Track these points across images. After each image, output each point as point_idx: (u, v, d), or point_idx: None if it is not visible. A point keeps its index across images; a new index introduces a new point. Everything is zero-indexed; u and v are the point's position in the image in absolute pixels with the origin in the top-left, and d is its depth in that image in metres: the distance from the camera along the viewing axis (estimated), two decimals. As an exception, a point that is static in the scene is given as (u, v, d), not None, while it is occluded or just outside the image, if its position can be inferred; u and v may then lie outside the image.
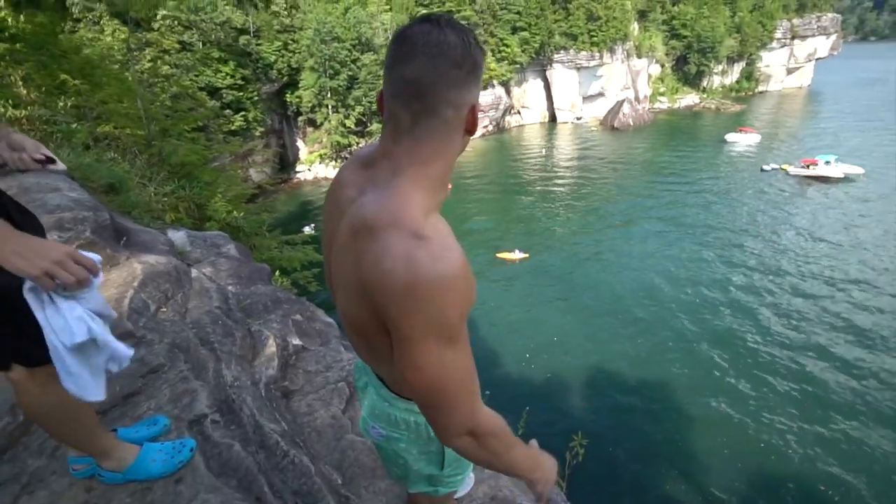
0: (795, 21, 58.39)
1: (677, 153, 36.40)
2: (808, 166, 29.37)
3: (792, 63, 60.56)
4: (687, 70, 53.83)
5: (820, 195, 26.50)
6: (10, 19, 4.86)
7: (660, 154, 36.75)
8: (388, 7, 35.75)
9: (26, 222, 1.07)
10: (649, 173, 32.31)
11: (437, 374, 0.70)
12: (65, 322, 0.94)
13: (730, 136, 38.84)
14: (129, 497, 1.29)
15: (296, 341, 2.43)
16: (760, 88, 59.21)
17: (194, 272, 2.74)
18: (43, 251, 0.87)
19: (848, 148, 33.55)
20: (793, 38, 59.05)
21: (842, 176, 28.18)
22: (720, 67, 54.91)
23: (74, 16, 9.41)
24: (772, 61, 58.98)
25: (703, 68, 53.12)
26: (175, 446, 1.39)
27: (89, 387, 1.02)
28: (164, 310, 2.24)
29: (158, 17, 21.96)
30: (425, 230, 0.68)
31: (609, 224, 24.27)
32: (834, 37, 61.59)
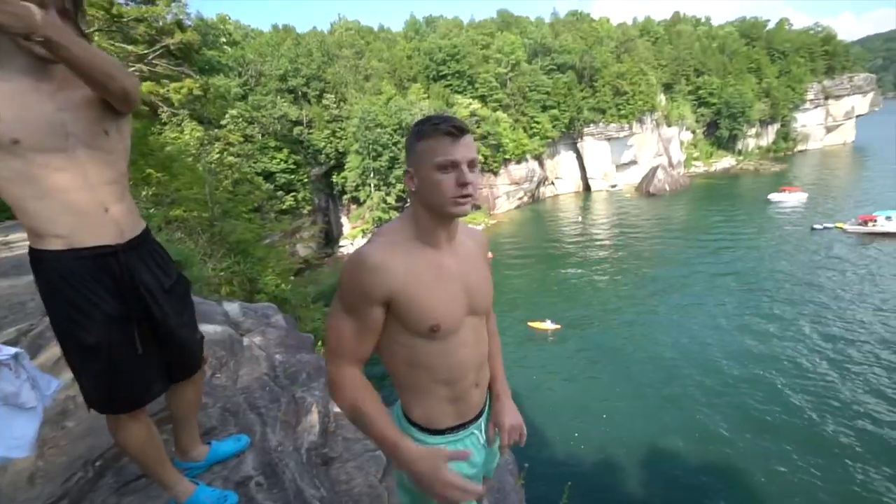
0: (826, 83, 58.68)
1: (718, 215, 35.47)
2: (866, 223, 27.75)
3: (830, 122, 59.90)
4: (719, 134, 54.17)
5: (882, 253, 24.62)
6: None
7: (699, 217, 35.95)
8: (425, 95, 39.30)
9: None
10: (689, 237, 31.42)
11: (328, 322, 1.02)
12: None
13: (773, 196, 37.72)
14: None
15: (336, 409, 2.50)
16: (800, 147, 58.35)
17: (246, 341, 2.95)
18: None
19: (908, 203, 31.64)
20: (826, 98, 59.00)
21: (906, 232, 26.34)
22: (753, 130, 55.00)
23: (162, 121, 11.11)
24: (807, 121, 58.68)
25: (735, 132, 53.36)
26: (220, 497, 1.51)
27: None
28: (219, 375, 2.41)
29: (227, 116, 25.28)
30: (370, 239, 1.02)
31: (648, 291, 23.21)
32: (871, 94, 61.11)
